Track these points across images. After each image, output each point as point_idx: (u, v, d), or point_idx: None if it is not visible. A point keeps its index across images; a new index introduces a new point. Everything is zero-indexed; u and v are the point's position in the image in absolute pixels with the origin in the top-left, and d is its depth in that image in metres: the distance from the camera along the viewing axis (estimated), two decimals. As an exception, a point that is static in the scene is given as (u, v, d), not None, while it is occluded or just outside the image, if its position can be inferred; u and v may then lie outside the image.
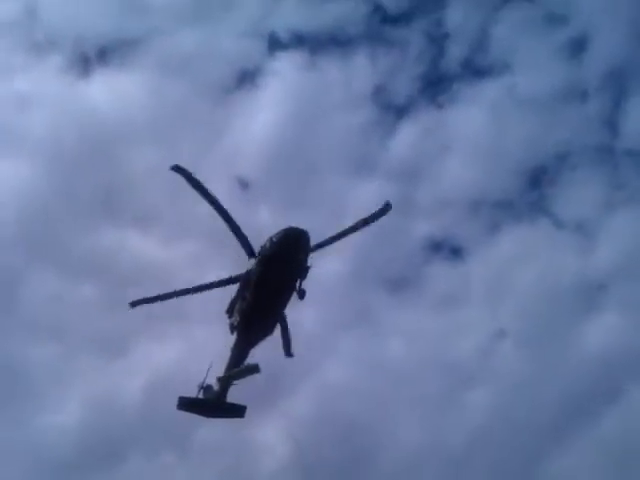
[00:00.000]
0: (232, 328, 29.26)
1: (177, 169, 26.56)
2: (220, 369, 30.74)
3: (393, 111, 75.64)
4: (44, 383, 61.46)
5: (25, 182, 63.84)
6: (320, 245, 27.40)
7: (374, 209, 29.09)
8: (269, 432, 62.45)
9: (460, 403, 65.18)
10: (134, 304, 29.37)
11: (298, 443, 61.49)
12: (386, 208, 29.29)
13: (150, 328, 57.44)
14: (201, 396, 31.14)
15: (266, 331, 29.07)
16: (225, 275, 29.32)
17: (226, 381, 30.25)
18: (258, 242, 27.63)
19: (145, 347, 62.60)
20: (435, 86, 79.29)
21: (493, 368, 67.26)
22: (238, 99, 72.48)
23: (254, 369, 28.21)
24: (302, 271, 27.16)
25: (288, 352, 30.70)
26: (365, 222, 28.75)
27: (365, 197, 67.37)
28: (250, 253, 27.47)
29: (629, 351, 62.54)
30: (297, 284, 27.37)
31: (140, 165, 61.95)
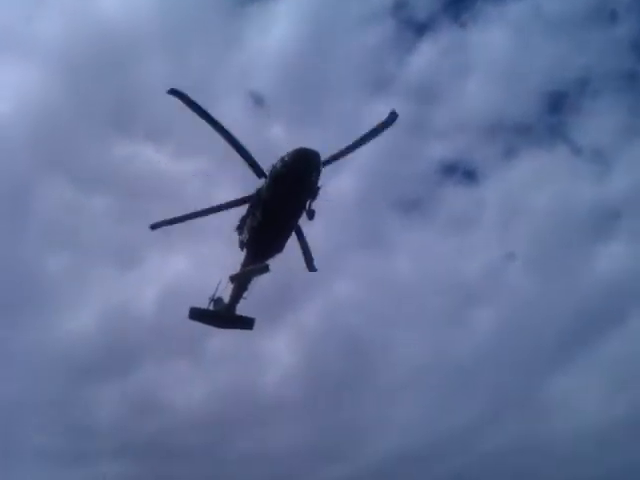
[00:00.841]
0: (242, 245, 29.57)
1: (174, 93, 26.17)
2: (229, 285, 31.37)
3: (413, 28, 73.93)
4: (60, 291, 63.41)
5: (37, 88, 63.96)
6: (329, 159, 27.15)
7: (381, 121, 28.44)
8: (278, 343, 64.63)
9: (466, 322, 66.79)
10: (154, 226, 29.53)
11: (305, 354, 63.59)
12: (392, 117, 28.60)
13: (163, 241, 58.29)
14: (212, 308, 32.15)
15: (275, 249, 29.23)
16: (235, 194, 29.50)
17: (239, 284, 30.95)
18: (269, 159, 27.46)
19: (158, 259, 63.87)
20: (459, 3, 76.92)
21: (500, 289, 68.54)
22: (253, 11, 70.75)
23: (264, 268, 28.69)
24: (312, 191, 27.08)
25: (311, 266, 31.11)
26: (372, 133, 28.26)
27: (380, 116, 66.76)
28: (259, 173, 27.41)
29: (636, 277, 63.06)
30: (307, 204, 27.36)
31: (152, 76, 61.13)
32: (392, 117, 28.62)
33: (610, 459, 54.78)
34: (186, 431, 59.87)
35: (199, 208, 29.31)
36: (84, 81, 62.24)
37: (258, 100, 61.86)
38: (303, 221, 28.38)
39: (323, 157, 26.65)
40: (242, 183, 29.06)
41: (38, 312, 62.14)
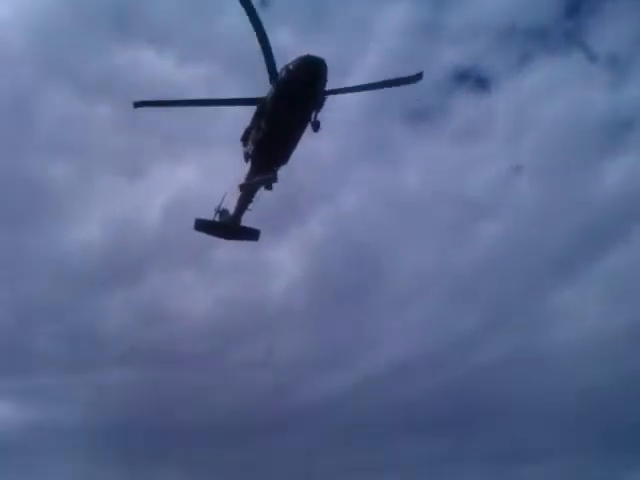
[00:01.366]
0: (247, 156, 29.05)
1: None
2: (236, 196, 31.28)
3: None
4: (65, 200, 63.58)
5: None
6: (338, 91, 26.56)
7: (405, 76, 27.91)
8: (284, 253, 65.22)
9: (471, 234, 67.02)
10: (138, 105, 27.49)
11: (311, 264, 64.13)
12: (417, 77, 28.15)
13: (168, 150, 57.82)
14: (217, 219, 32.28)
15: (280, 160, 28.68)
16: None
17: (244, 195, 30.75)
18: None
19: (163, 168, 63.60)
20: None
21: (507, 202, 68.24)
22: None
23: (272, 178, 28.45)
24: (318, 101, 26.32)
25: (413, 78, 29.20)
26: (391, 82, 27.77)
27: (392, 19, 64.58)
28: (273, 75, 26.14)
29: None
30: (312, 115, 26.66)
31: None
32: (417, 77, 28.17)
33: (609, 370, 56.35)
34: (191, 339, 61.72)
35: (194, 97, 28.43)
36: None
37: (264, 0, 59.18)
38: (308, 132, 27.53)
39: (333, 85, 25.83)
40: (248, 91, 28.00)
41: (43, 221, 62.72)
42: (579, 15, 71.99)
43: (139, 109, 27.11)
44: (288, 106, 26.09)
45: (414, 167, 69.19)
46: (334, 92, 26.48)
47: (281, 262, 65.02)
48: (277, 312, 63.18)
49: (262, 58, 25.92)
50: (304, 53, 25.38)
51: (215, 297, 63.98)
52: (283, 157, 28.65)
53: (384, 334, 63.91)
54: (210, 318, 61.84)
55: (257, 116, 27.58)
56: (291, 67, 25.42)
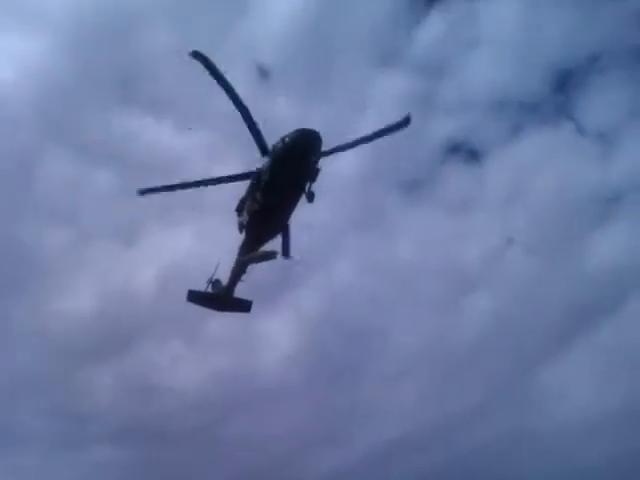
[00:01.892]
0: (241, 227, 29.13)
1: (196, 55, 25.31)
2: (229, 265, 31.21)
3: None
4: (56, 268, 62.78)
5: (41, 59, 62.40)
6: (331, 151, 26.84)
7: (393, 121, 28.20)
8: (276, 325, 64.43)
9: (463, 306, 66.68)
10: (143, 192, 28.71)
11: (303, 337, 63.46)
12: (405, 123, 28.34)
13: (164, 217, 57.91)
14: (210, 290, 32.02)
15: (274, 231, 28.94)
16: (237, 170, 28.85)
17: (238, 267, 30.67)
18: (273, 135, 26.92)
19: (158, 236, 63.33)
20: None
21: (498, 274, 68.16)
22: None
23: (271, 255, 28.43)
24: (312, 173, 26.74)
25: (286, 254, 30.14)
26: (382, 132, 28.03)
27: (387, 91, 66.01)
28: (263, 151, 26.92)
29: (636, 264, 62.78)
30: (306, 186, 26.99)
31: (156, 47, 59.95)
32: (406, 121, 28.32)
33: (603, 450, 55.00)
34: (183, 413, 60.08)
35: (193, 179, 28.78)
36: (87, 50, 61.02)
37: (263, 72, 60.64)
38: (302, 203, 27.84)
39: (325, 146, 26.17)
40: (246, 159, 28.50)
41: (32, 290, 61.85)
42: (569, 89, 73.96)
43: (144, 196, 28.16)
44: (283, 178, 26.50)
45: (406, 237, 69.41)
46: (328, 153, 26.69)
47: (273, 334, 64.26)
48: (269, 386, 62.05)
49: (252, 136, 26.66)
50: (300, 126, 25.88)
51: (207, 370, 62.82)
52: (277, 227, 28.84)
53: (376, 411, 62.60)
54: (202, 391, 60.66)
55: (252, 187, 27.89)
56: (287, 139, 25.89)
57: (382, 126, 28.05)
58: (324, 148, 26.49)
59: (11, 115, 60.22)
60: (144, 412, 59.52)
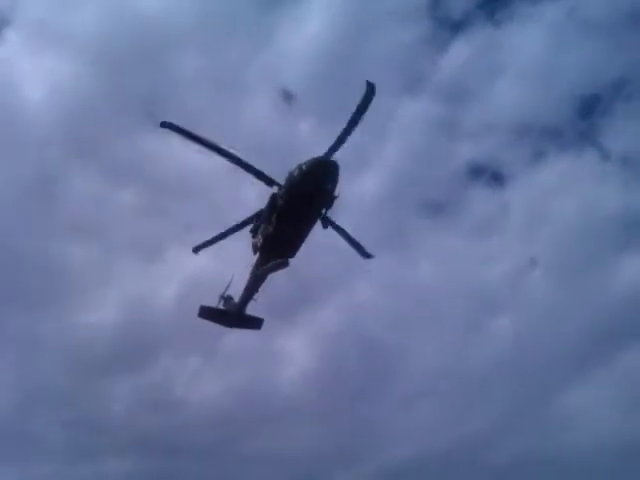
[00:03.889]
0: (255, 248, 29.47)
1: (166, 125, 26.00)
2: (241, 283, 31.59)
3: (448, 26, 72.64)
4: (79, 283, 64.01)
5: (70, 80, 63.64)
6: (332, 149, 26.12)
7: (360, 97, 25.58)
8: (294, 342, 64.82)
9: (484, 328, 66.24)
10: (164, 125, 26.41)
11: (322, 355, 63.59)
12: (369, 88, 25.27)
13: (186, 235, 58.75)
14: (222, 306, 32.56)
15: (287, 255, 28.96)
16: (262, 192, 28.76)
17: (250, 284, 31.00)
18: (294, 159, 27.11)
19: (180, 253, 64.01)
20: (494, 2, 75.68)
21: (521, 297, 67.64)
22: (287, 5, 70.44)
23: (283, 264, 28.53)
24: (328, 201, 26.95)
25: (365, 254, 31.04)
26: (358, 111, 25.72)
27: (411, 116, 66.43)
28: (269, 182, 27.35)
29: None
30: (322, 213, 27.35)
31: (185, 70, 61.34)
32: (369, 87, 25.30)
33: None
34: (198, 428, 60.28)
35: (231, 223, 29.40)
36: (116, 72, 62.29)
37: (288, 96, 61.53)
38: (317, 229, 28.24)
39: (349, 178, 26.58)
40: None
41: (56, 304, 63.04)
42: (593, 115, 73.43)
43: (165, 129, 26.40)
44: (299, 205, 26.79)
45: (428, 259, 69.38)
46: (330, 152, 26.09)
47: (292, 351, 64.69)
48: (286, 403, 62.15)
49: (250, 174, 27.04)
50: (322, 151, 25.95)
51: (225, 385, 63.32)
52: (291, 251, 28.98)
53: (395, 430, 62.33)
54: (218, 406, 61.03)
55: (268, 210, 28.05)
56: (304, 167, 26.08)
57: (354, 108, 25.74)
58: (347, 178, 26.56)
59: (41, 133, 61.93)
60: (161, 425, 60.00)
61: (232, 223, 29.67)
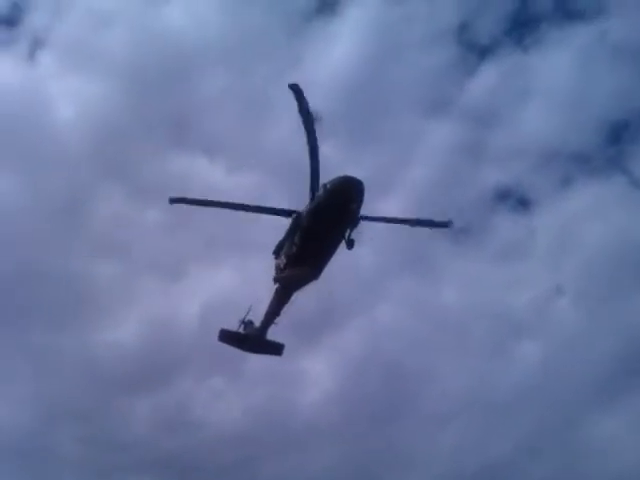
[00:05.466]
0: (278, 269, 28.94)
1: (175, 201, 27.45)
2: (264, 306, 31.22)
3: (475, 51, 72.23)
4: (103, 301, 64.12)
5: (101, 100, 64.47)
6: (370, 218, 27.14)
7: (436, 220, 29.46)
8: (317, 365, 64.06)
9: (509, 354, 64.97)
10: (174, 201, 28.11)
11: (344, 378, 62.98)
12: (446, 224, 29.53)
13: (210, 255, 58.84)
14: (242, 331, 32.02)
15: (311, 276, 28.67)
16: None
17: (272, 312, 30.76)
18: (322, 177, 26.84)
19: (204, 273, 64.15)
20: (522, 27, 75.20)
21: (547, 324, 66.22)
22: (316, 28, 70.07)
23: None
24: (353, 221, 26.55)
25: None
26: (418, 223, 29.00)
27: (437, 139, 66.03)
28: (288, 214, 27.32)
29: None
30: (347, 233, 26.86)
31: (212, 90, 61.72)
32: (446, 224, 29.58)
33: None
34: (219, 449, 59.69)
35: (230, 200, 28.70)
36: (145, 92, 63.30)
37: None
38: (341, 250, 27.67)
39: (374, 199, 26.84)
40: (295, 200, 28.33)
41: (78, 321, 63.27)
42: (622, 141, 72.46)
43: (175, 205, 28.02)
44: (323, 224, 26.27)
45: (452, 283, 68.55)
46: (368, 218, 26.80)
47: (314, 373, 63.97)
48: (307, 426, 61.61)
49: (309, 176, 26.61)
50: (347, 172, 25.72)
51: (246, 406, 62.69)
52: (315, 272, 28.54)
53: (418, 455, 61.41)
54: (238, 428, 60.40)
55: (291, 230, 27.56)
56: (329, 186, 25.65)
57: (425, 217, 29.35)
58: (372, 199, 26.55)
59: (70, 153, 62.70)
60: (180, 445, 59.46)
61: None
